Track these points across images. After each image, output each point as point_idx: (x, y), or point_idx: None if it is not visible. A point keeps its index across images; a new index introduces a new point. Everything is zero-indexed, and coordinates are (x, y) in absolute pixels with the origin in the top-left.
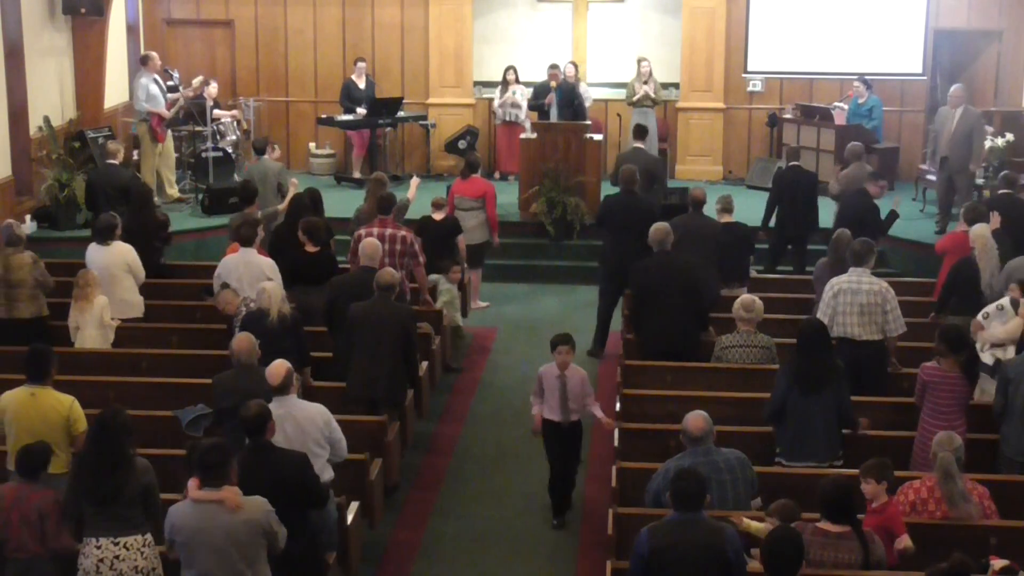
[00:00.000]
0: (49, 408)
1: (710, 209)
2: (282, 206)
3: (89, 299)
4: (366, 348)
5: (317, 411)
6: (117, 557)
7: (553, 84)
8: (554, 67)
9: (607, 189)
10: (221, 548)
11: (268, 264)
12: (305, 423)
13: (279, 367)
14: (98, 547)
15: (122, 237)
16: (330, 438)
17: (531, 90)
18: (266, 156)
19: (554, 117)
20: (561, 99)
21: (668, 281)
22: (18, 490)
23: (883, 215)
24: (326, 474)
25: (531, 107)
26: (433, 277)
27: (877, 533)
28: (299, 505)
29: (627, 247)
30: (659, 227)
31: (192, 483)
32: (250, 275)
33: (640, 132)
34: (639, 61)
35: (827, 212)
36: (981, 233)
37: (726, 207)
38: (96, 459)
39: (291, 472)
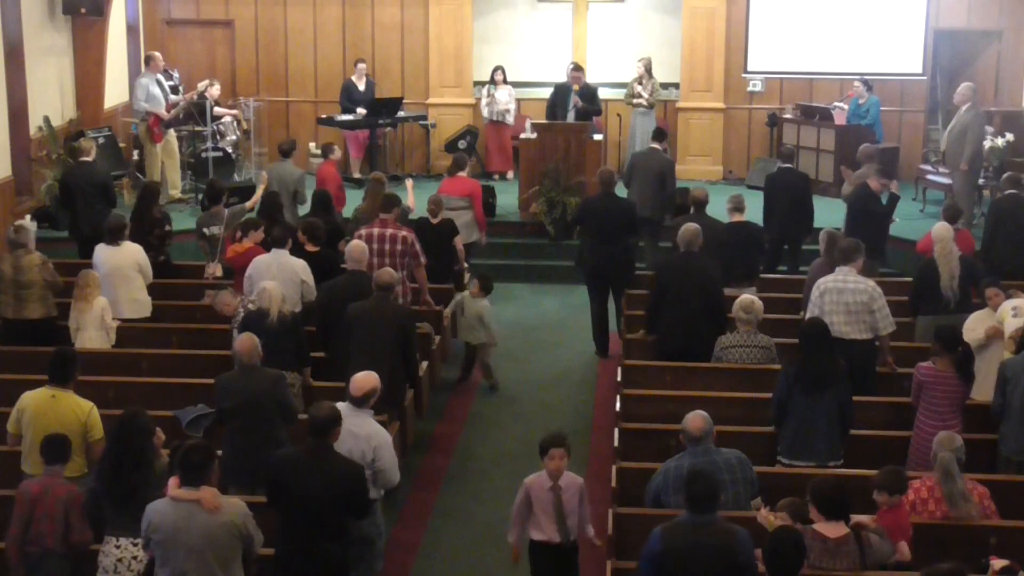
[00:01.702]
0: (68, 411)
1: (715, 209)
2: (249, 203)
3: (88, 300)
4: (364, 348)
5: (368, 434)
6: (135, 558)
7: (576, 87)
8: (577, 68)
9: None
10: (197, 548)
11: (300, 265)
12: (348, 439)
13: (367, 380)
14: (118, 546)
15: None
16: (372, 465)
17: (531, 91)
18: (290, 160)
19: (571, 118)
20: (578, 106)
21: (689, 282)
22: (44, 484)
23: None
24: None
25: (551, 105)
26: (460, 295)
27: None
28: (343, 512)
29: (605, 247)
30: (689, 228)
31: (172, 482)
32: (282, 276)
33: (660, 135)
34: (637, 62)
35: (829, 213)
36: (941, 235)
37: (737, 206)
38: (116, 459)
39: (344, 479)
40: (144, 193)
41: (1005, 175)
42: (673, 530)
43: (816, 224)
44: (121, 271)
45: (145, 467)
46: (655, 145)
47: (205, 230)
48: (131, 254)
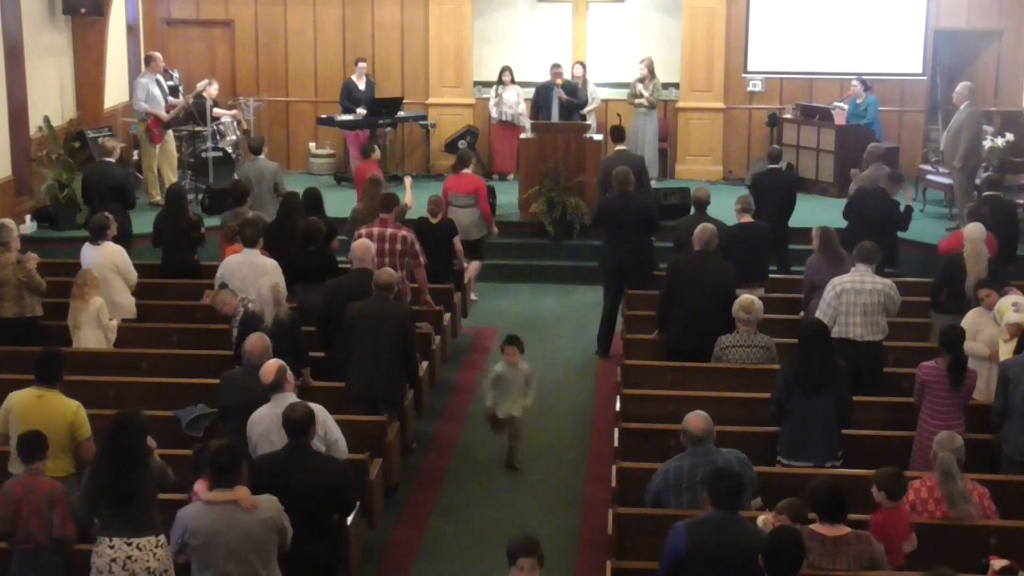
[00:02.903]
0: (54, 411)
1: (717, 210)
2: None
3: (85, 299)
4: (364, 347)
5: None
6: (130, 557)
7: (558, 82)
8: (557, 66)
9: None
10: (238, 548)
11: (271, 264)
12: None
13: (271, 365)
14: (111, 547)
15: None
16: (326, 439)
17: (527, 91)
18: (262, 156)
19: (555, 116)
20: (562, 99)
21: (703, 281)
22: (28, 482)
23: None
24: None
25: (535, 106)
26: (497, 368)
27: (879, 533)
28: (330, 509)
29: (624, 247)
30: (707, 228)
31: (200, 485)
32: (254, 275)
33: (619, 135)
34: (640, 63)
35: (828, 212)
36: (973, 235)
37: (746, 207)
38: (112, 459)
39: (329, 477)
40: (174, 197)
41: (984, 176)
42: (699, 528)
43: (803, 224)
44: (100, 272)
45: (141, 467)
46: (620, 146)
47: None
48: (110, 256)
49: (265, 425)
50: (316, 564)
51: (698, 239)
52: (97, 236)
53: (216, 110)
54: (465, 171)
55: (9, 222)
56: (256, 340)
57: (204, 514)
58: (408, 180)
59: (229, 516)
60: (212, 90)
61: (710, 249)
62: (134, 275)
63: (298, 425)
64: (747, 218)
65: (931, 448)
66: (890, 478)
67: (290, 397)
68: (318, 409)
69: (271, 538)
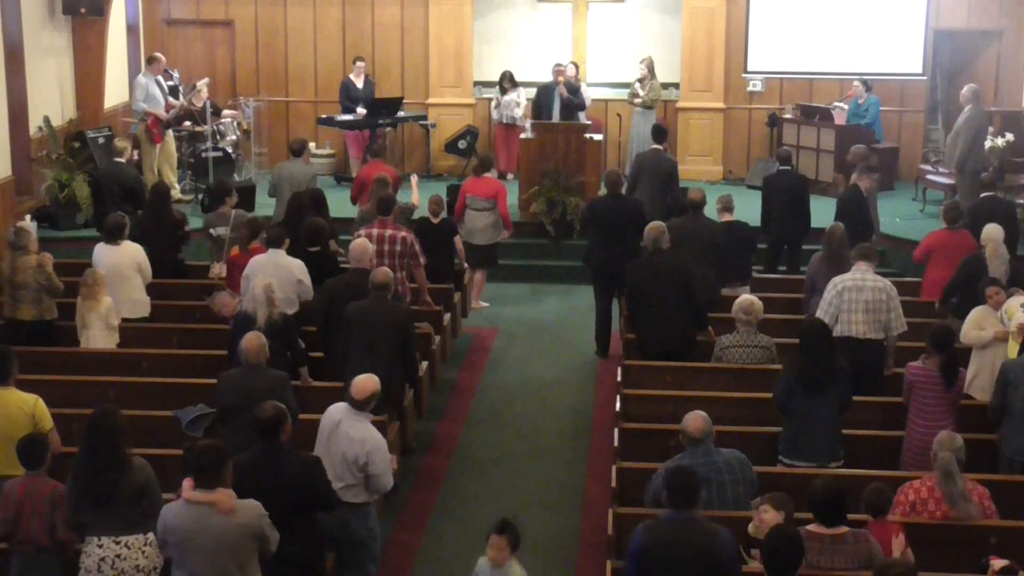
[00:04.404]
0: (13, 408)
1: (710, 210)
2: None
3: (96, 298)
4: (362, 347)
5: (363, 439)
6: (119, 556)
7: (560, 80)
8: (559, 65)
9: None
10: (212, 550)
11: (297, 265)
12: (343, 441)
13: (368, 383)
14: (100, 546)
15: (138, 235)
16: (365, 469)
17: (529, 91)
18: (301, 159)
19: (556, 116)
20: (564, 97)
21: (662, 280)
22: (29, 483)
23: (879, 211)
24: (359, 497)
25: (536, 106)
26: (480, 565)
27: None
28: (306, 508)
29: (613, 248)
30: (654, 226)
31: (187, 483)
32: (279, 276)
33: (660, 135)
34: (640, 63)
35: (827, 213)
36: (993, 236)
37: (726, 206)
38: (89, 459)
39: (301, 475)
40: (157, 195)
41: (981, 175)
42: (655, 527)
43: (814, 225)
44: (119, 271)
45: (120, 464)
46: (657, 146)
47: (212, 231)
48: (131, 254)
49: (328, 431)
50: (296, 564)
51: (648, 239)
52: (115, 235)
53: (224, 112)
54: (486, 175)
55: (28, 225)
56: (252, 339)
57: (182, 513)
58: (414, 179)
59: (205, 518)
60: (203, 91)
61: (661, 246)
62: (151, 273)
63: (268, 425)
64: (728, 217)
65: (920, 448)
66: (871, 494)
67: (359, 420)
68: (376, 439)
69: (248, 544)
